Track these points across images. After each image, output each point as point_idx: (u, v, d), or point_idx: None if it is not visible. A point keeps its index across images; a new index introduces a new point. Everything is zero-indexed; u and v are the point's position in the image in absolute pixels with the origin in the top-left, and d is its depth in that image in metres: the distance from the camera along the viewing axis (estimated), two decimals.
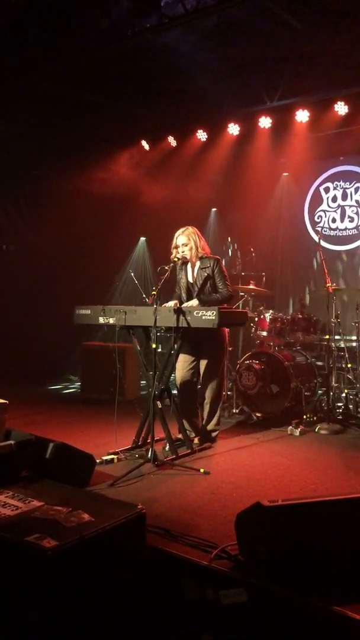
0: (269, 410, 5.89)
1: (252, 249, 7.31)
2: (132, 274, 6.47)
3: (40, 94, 6.88)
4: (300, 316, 6.30)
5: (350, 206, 7.47)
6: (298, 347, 6.39)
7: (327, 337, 5.82)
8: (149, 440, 4.45)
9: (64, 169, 7.86)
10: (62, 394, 7.63)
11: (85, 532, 2.46)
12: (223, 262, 5.17)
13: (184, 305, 4.69)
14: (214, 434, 5.03)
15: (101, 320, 4.79)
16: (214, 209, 8.71)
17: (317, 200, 7.79)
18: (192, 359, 4.94)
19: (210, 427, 5.00)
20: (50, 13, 5.45)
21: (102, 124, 7.73)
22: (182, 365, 4.92)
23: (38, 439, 3.71)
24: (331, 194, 7.66)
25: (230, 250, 7.34)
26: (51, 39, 5.88)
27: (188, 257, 4.92)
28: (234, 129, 7.53)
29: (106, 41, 5.74)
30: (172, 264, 4.80)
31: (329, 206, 7.68)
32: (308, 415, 5.72)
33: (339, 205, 7.59)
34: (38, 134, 7.27)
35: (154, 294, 4.40)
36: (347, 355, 6.02)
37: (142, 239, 9.12)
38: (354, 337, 6.12)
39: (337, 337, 6.01)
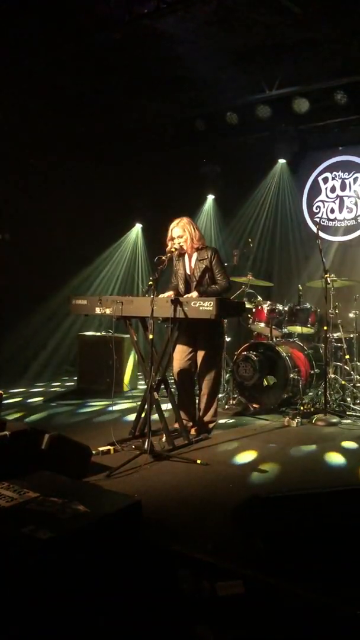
0: (266, 402, 5.87)
1: (250, 240, 7.27)
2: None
3: (36, 82, 6.79)
4: (297, 307, 6.28)
5: (349, 197, 7.42)
6: (295, 339, 6.37)
7: (325, 328, 5.80)
8: (145, 431, 4.43)
9: (60, 159, 7.78)
10: (58, 384, 7.60)
11: (81, 524, 2.45)
12: (221, 253, 5.13)
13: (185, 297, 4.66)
14: (211, 425, 5.02)
15: (98, 310, 4.77)
16: (211, 197, 8.62)
17: (315, 190, 7.73)
18: (189, 350, 4.92)
19: (207, 418, 4.99)
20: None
21: (99, 112, 7.65)
22: (180, 356, 4.91)
23: (33, 429, 3.69)
24: (330, 184, 7.60)
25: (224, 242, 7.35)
26: (47, 26, 5.79)
27: (184, 248, 4.89)
28: (232, 118, 7.45)
29: (103, 28, 5.65)
30: (169, 254, 4.77)
31: (328, 197, 7.63)
32: (305, 407, 5.71)
33: (337, 196, 7.53)
34: (35, 122, 7.19)
35: (150, 284, 4.37)
36: (344, 347, 6.01)
37: (138, 225, 9.03)
38: (352, 329, 6.11)
39: (334, 328, 5.99)
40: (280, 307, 6.32)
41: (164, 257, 4.65)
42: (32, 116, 7.16)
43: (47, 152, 7.62)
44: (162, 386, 4.64)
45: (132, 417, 4.74)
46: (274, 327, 6.18)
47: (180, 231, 4.85)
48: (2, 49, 6.05)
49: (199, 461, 4.14)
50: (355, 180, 7.38)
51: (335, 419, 5.43)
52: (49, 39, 5.98)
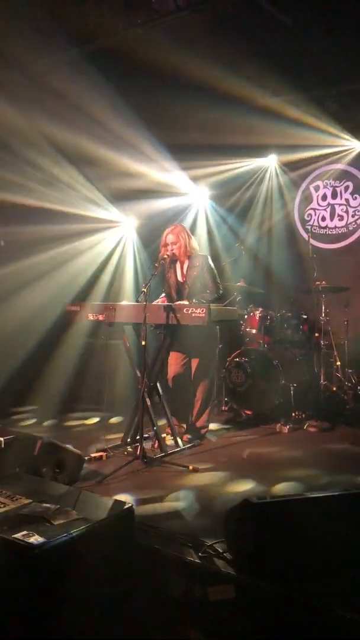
0: (257, 408, 5.90)
1: (242, 247, 7.32)
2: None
3: (30, 87, 6.81)
4: (289, 314, 6.32)
5: (340, 205, 7.49)
6: (287, 345, 6.40)
7: (316, 334, 5.83)
8: (137, 437, 4.44)
9: (55, 162, 7.80)
10: (50, 389, 7.56)
11: (73, 530, 2.46)
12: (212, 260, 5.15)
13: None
14: (203, 431, 5.03)
15: (90, 317, 4.78)
16: (204, 203, 8.65)
17: (307, 198, 7.79)
18: (183, 357, 4.94)
19: (199, 424, 5.00)
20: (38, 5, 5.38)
21: (90, 119, 7.67)
22: (175, 362, 4.93)
23: (26, 436, 3.70)
24: (321, 192, 7.67)
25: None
26: (38, 33, 5.81)
27: (177, 255, 4.92)
28: (224, 125, 7.50)
29: (96, 36, 5.69)
30: (162, 261, 4.79)
31: (319, 204, 7.69)
32: (297, 413, 5.74)
33: (328, 204, 7.60)
34: (29, 125, 7.19)
35: (143, 291, 4.39)
36: (335, 353, 6.05)
37: (133, 227, 9.01)
38: (343, 335, 6.15)
39: (325, 335, 6.03)
40: (272, 313, 6.36)
41: (156, 264, 4.69)
42: (26, 118, 7.17)
43: (42, 157, 7.64)
44: (155, 392, 4.66)
45: (124, 423, 4.75)
46: (265, 333, 6.21)
47: (174, 238, 4.88)
48: None
49: (190, 467, 4.16)
50: (346, 188, 7.45)
51: (326, 425, 5.46)
52: (38, 47, 6.00)
